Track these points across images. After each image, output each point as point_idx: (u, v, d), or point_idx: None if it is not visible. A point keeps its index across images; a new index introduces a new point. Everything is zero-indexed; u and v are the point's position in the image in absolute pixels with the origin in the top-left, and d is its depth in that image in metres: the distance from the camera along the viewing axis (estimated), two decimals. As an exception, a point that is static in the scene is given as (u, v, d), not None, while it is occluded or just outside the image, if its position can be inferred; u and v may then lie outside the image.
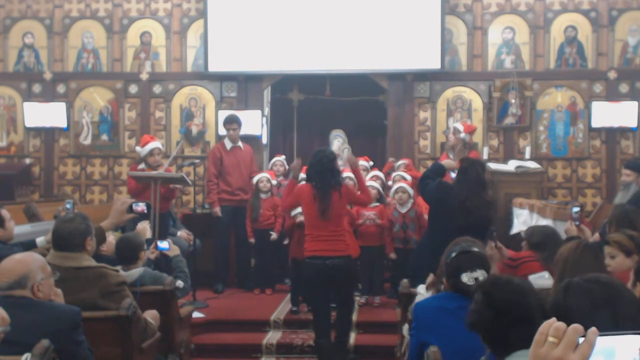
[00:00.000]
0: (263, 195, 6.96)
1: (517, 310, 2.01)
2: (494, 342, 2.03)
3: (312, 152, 5.30)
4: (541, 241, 4.18)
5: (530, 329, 1.64)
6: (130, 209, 4.13)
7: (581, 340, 1.27)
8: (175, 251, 4.76)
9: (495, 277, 2.17)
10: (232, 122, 7.27)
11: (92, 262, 3.49)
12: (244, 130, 7.54)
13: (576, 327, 1.29)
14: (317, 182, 5.00)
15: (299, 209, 6.20)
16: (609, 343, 1.29)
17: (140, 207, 4.06)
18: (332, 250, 4.94)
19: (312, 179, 5.06)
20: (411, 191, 6.47)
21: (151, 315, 3.82)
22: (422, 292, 3.62)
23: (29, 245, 4.06)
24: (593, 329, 1.27)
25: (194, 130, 8.53)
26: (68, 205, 4.92)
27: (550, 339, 1.30)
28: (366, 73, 8.34)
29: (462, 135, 6.99)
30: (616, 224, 4.44)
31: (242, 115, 7.70)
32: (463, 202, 4.71)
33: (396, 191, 6.47)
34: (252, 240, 6.99)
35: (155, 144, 6.73)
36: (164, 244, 4.72)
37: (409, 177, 6.89)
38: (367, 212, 6.37)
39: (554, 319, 1.32)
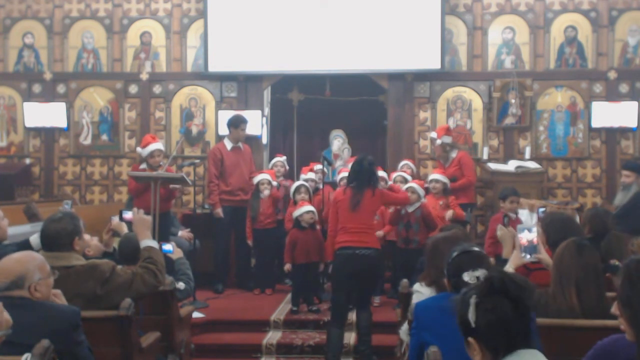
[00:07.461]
0: (262, 196, 6.96)
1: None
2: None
3: (312, 152, 5.37)
4: (558, 239, 3.61)
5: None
6: (120, 217, 4.11)
7: None
8: (178, 254, 4.74)
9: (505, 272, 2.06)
10: (244, 122, 7.27)
11: (82, 261, 3.48)
12: (244, 130, 7.54)
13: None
14: (353, 179, 5.27)
15: (298, 212, 6.23)
16: None
17: (130, 215, 4.04)
18: (362, 241, 5.15)
19: (350, 176, 5.36)
20: (421, 192, 6.38)
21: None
22: (420, 290, 3.57)
23: (23, 245, 4.03)
24: None
25: (194, 130, 8.53)
26: (67, 206, 4.92)
27: None
28: (366, 73, 8.34)
29: (438, 141, 7.13)
30: (589, 224, 4.51)
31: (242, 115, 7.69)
32: None
33: (406, 190, 6.40)
34: (249, 242, 7.03)
35: (156, 145, 6.71)
36: (167, 247, 4.70)
37: (409, 177, 6.88)
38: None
39: None
